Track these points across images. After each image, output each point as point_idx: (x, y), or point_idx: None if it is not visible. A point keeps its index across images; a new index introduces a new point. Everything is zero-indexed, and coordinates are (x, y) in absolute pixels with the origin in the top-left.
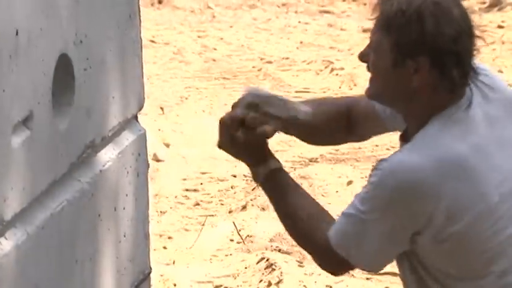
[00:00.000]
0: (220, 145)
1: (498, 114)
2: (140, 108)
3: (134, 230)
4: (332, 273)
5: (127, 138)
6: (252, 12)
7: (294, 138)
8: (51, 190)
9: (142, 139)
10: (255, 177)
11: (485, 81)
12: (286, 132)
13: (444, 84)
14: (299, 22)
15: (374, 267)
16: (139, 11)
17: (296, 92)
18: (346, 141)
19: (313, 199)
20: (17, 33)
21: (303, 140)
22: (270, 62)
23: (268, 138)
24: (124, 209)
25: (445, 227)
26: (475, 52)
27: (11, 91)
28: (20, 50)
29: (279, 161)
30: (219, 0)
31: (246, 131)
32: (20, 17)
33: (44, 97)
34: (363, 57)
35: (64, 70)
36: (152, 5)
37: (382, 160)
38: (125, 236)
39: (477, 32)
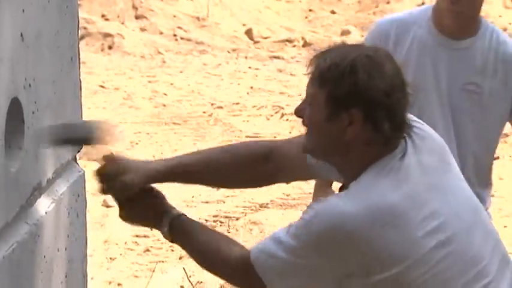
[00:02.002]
0: (122, 218)
1: (432, 162)
2: (79, 149)
3: (74, 271)
4: None
5: (68, 179)
6: (202, 57)
7: None
8: (3, 233)
9: (81, 180)
10: (164, 235)
11: (417, 132)
12: (174, 180)
13: (377, 137)
14: (249, 68)
15: None
16: (79, 54)
17: (246, 136)
18: (266, 185)
19: (220, 233)
20: None
21: (212, 185)
22: (220, 107)
23: (129, 189)
24: (65, 249)
25: (376, 274)
26: (407, 106)
27: None
28: None
29: (176, 209)
30: (169, 46)
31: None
32: None
33: None
34: (298, 112)
35: (15, 114)
36: (102, 50)
37: (318, 200)
38: (66, 276)
39: (408, 88)
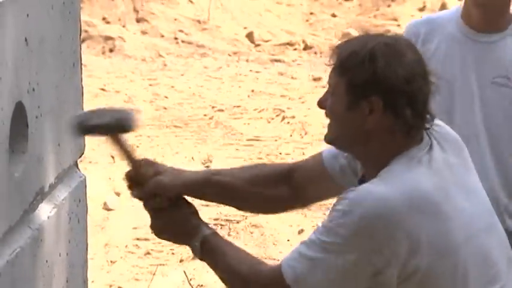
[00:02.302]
0: (155, 233)
1: (455, 161)
2: (81, 154)
3: (75, 276)
4: None
5: (69, 185)
6: (203, 60)
7: None
8: (7, 237)
9: (82, 185)
10: (194, 251)
11: (439, 131)
12: (201, 197)
13: (399, 125)
14: (250, 71)
15: None
16: (81, 60)
17: (247, 140)
18: (286, 209)
19: (251, 255)
20: None
21: (234, 206)
22: (221, 110)
23: (167, 190)
24: (67, 254)
25: (408, 261)
26: (429, 94)
27: None
28: None
29: (209, 226)
30: (170, 49)
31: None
32: None
33: (1, 145)
34: (321, 103)
35: (19, 118)
36: (103, 53)
37: (349, 190)
38: (67, 281)
39: (431, 77)
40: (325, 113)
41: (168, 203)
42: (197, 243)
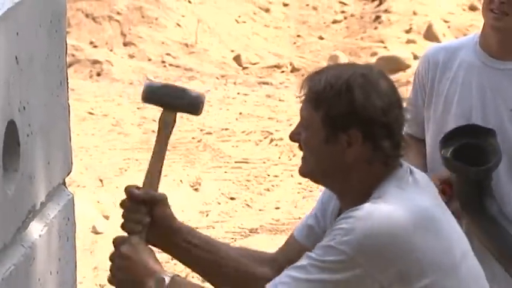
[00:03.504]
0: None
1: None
2: (69, 172)
3: None
4: None
5: (58, 203)
6: (190, 83)
7: (234, 208)
8: (1, 255)
9: (70, 204)
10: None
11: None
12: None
13: (378, 156)
14: (238, 93)
15: None
16: (67, 78)
17: (236, 162)
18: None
19: None
20: None
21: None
22: (209, 133)
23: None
24: (57, 273)
25: (414, 281)
26: (404, 123)
27: None
28: None
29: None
30: (157, 72)
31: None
32: None
33: None
34: (294, 136)
35: (11, 136)
36: (91, 77)
37: (353, 209)
38: None
39: (404, 104)
40: (299, 146)
41: (146, 221)
42: (166, 277)
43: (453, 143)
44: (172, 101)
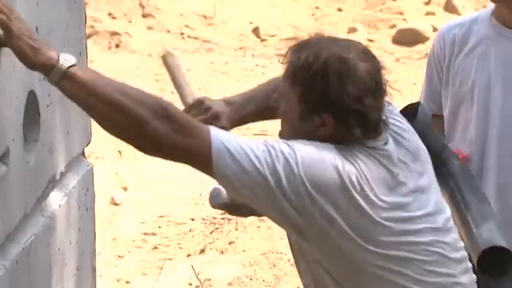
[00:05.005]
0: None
1: (406, 160)
2: (88, 143)
3: (85, 264)
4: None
5: (77, 173)
6: (209, 55)
7: None
8: (22, 225)
9: (90, 174)
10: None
11: (396, 126)
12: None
13: (348, 139)
14: (256, 65)
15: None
16: (86, 49)
17: (254, 134)
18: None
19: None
20: None
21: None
22: None
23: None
24: (77, 243)
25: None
26: (381, 108)
27: None
28: None
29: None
30: (176, 44)
31: None
32: None
33: (17, 133)
34: (275, 102)
35: (32, 106)
36: (109, 49)
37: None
38: (77, 269)
39: (385, 88)
40: (279, 112)
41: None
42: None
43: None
44: None
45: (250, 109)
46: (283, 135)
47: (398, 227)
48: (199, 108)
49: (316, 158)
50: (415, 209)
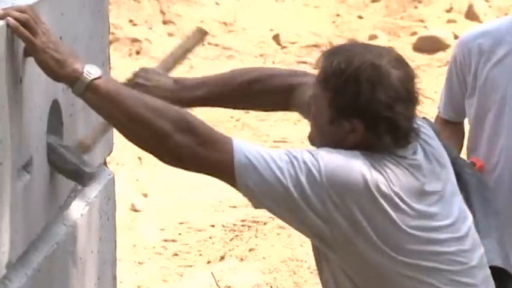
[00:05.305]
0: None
1: (434, 168)
2: (110, 152)
3: (105, 273)
4: (179, 159)
5: (99, 182)
6: (229, 62)
7: None
8: (44, 233)
9: (111, 183)
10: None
11: (424, 134)
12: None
13: (378, 146)
14: None
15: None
16: (109, 59)
17: (274, 141)
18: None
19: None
20: (21, 81)
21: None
22: (248, 113)
23: None
24: (98, 252)
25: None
26: (413, 116)
27: (17, 136)
28: (22, 96)
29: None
30: (196, 51)
31: None
32: (20, 65)
33: (40, 142)
34: (308, 104)
35: (55, 116)
36: (130, 55)
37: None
38: (98, 278)
39: (417, 96)
40: (310, 113)
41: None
42: (91, 71)
43: None
44: None
45: (200, 93)
46: (312, 138)
47: (425, 236)
48: (145, 76)
49: (341, 165)
50: (441, 219)
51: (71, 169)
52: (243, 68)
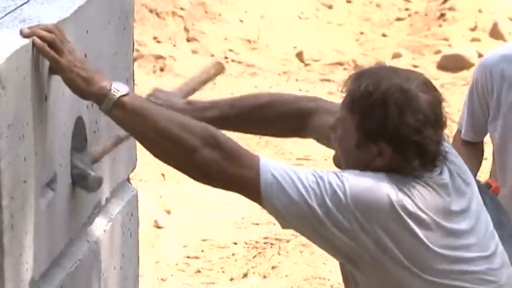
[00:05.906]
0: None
1: (459, 187)
2: (133, 169)
3: None
4: (208, 176)
5: (122, 199)
6: (252, 80)
7: None
8: (67, 250)
9: (134, 199)
10: (105, 99)
11: (448, 153)
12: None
13: (405, 169)
14: (300, 90)
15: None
16: (133, 76)
17: (297, 159)
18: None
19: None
20: (46, 98)
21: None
22: None
23: None
24: (121, 268)
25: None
26: (440, 140)
27: (41, 153)
28: (47, 114)
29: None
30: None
31: None
32: (45, 82)
33: (64, 159)
34: (332, 129)
35: (79, 132)
36: (154, 72)
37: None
38: None
39: (445, 120)
40: (334, 138)
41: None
42: (119, 88)
43: None
44: None
45: (210, 114)
46: (337, 160)
47: (453, 254)
48: (158, 95)
49: (367, 187)
50: (468, 237)
51: (76, 174)
52: (256, 92)
